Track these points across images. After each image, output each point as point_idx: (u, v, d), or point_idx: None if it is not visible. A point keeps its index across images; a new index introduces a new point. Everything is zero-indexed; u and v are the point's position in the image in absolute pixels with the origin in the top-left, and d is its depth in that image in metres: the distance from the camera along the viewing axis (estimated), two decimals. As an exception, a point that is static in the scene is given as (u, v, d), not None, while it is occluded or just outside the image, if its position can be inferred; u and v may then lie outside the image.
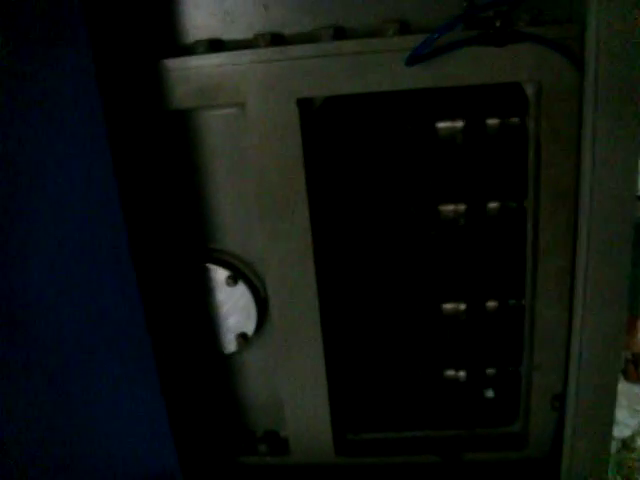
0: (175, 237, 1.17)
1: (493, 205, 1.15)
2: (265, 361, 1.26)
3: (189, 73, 1.03)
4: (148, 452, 1.13)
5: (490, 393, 1.31)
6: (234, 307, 1.18)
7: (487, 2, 0.96)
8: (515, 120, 1.10)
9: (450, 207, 1.16)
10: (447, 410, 1.28)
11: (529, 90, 1.02)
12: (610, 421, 1.07)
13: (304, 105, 1.04)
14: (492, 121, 1.12)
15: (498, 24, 0.96)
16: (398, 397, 1.30)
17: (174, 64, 1.03)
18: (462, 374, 1.27)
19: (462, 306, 1.22)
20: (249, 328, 1.19)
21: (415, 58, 0.95)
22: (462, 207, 1.15)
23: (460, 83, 1.01)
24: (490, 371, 1.26)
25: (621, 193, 0.95)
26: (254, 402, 1.29)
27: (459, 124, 1.13)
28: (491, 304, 1.21)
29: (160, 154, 1.12)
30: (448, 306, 1.22)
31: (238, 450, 1.29)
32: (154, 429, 1.11)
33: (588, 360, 1.04)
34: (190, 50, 1.04)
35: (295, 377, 1.21)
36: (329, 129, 1.10)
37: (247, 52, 1.02)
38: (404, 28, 1.01)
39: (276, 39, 1.03)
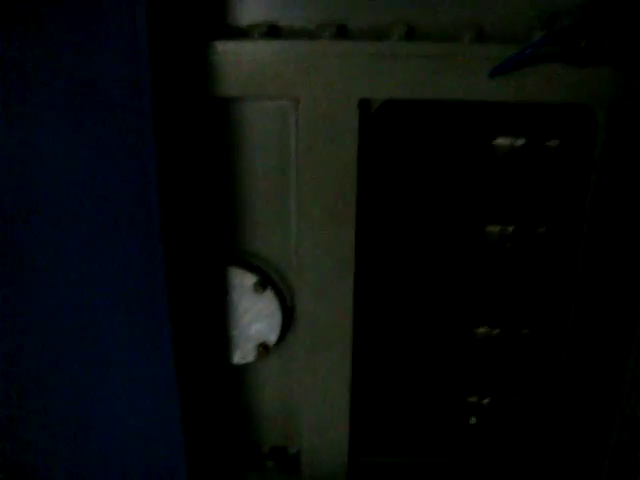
0: (204, 235, 1.07)
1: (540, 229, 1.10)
2: (280, 373, 1.18)
3: (241, 58, 0.93)
4: (156, 455, 1.05)
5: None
6: (258, 315, 1.09)
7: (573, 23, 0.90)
8: (577, 144, 1.05)
9: (497, 228, 1.10)
10: (467, 438, 1.23)
11: (600, 115, 0.97)
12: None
13: (364, 107, 0.96)
14: (552, 143, 1.06)
15: (583, 44, 0.91)
16: (417, 421, 1.24)
17: (225, 47, 0.93)
18: (486, 401, 1.22)
19: (495, 331, 1.16)
20: (271, 338, 1.11)
21: (501, 69, 0.89)
22: (509, 229, 1.09)
23: (533, 100, 0.95)
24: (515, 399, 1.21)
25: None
26: (264, 415, 1.21)
27: (516, 142, 1.06)
28: (525, 331, 1.16)
29: (198, 143, 1.02)
30: (480, 330, 1.16)
31: (244, 466, 1.21)
32: (166, 432, 1.03)
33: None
34: (244, 34, 0.95)
35: (318, 392, 1.14)
36: (384, 135, 1.02)
37: (308, 43, 0.93)
38: (480, 36, 0.94)
39: (341, 31, 0.94)
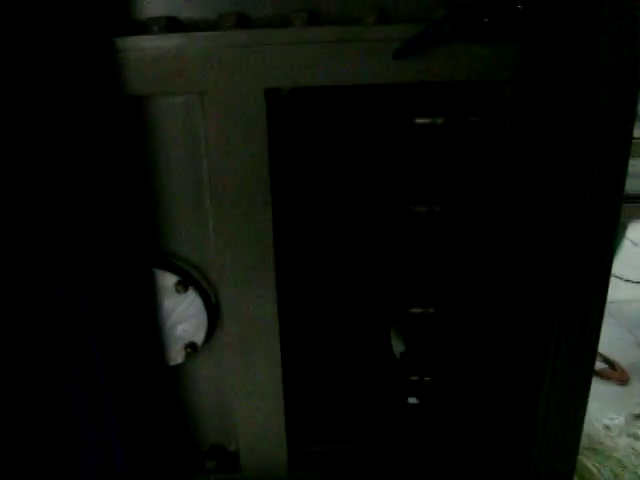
0: (121, 238, 1.04)
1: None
2: (212, 370, 1.15)
3: (143, 54, 0.91)
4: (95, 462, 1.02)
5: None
6: (183, 315, 1.07)
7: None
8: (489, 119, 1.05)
9: (422, 208, 1.09)
10: (405, 421, 1.24)
11: (509, 90, 0.98)
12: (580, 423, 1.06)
13: (271, 96, 0.94)
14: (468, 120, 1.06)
15: (486, 20, 0.91)
16: (353, 408, 1.24)
17: (125, 44, 0.90)
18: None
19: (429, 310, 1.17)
20: (199, 337, 1.09)
21: (405, 51, 0.88)
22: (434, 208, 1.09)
23: (441, 79, 0.95)
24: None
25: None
26: (201, 413, 1.19)
27: (435, 122, 1.06)
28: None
29: (108, 144, 0.99)
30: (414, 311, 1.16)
31: (184, 467, 1.19)
32: (102, 436, 1.01)
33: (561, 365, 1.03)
34: (144, 28, 0.92)
35: (250, 385, 1.12)
36: (295, 121, 1.01)
37: (209, 34, 0.91)
38: (383, 17, 0.93)
39: (242, 21, 0.92)
